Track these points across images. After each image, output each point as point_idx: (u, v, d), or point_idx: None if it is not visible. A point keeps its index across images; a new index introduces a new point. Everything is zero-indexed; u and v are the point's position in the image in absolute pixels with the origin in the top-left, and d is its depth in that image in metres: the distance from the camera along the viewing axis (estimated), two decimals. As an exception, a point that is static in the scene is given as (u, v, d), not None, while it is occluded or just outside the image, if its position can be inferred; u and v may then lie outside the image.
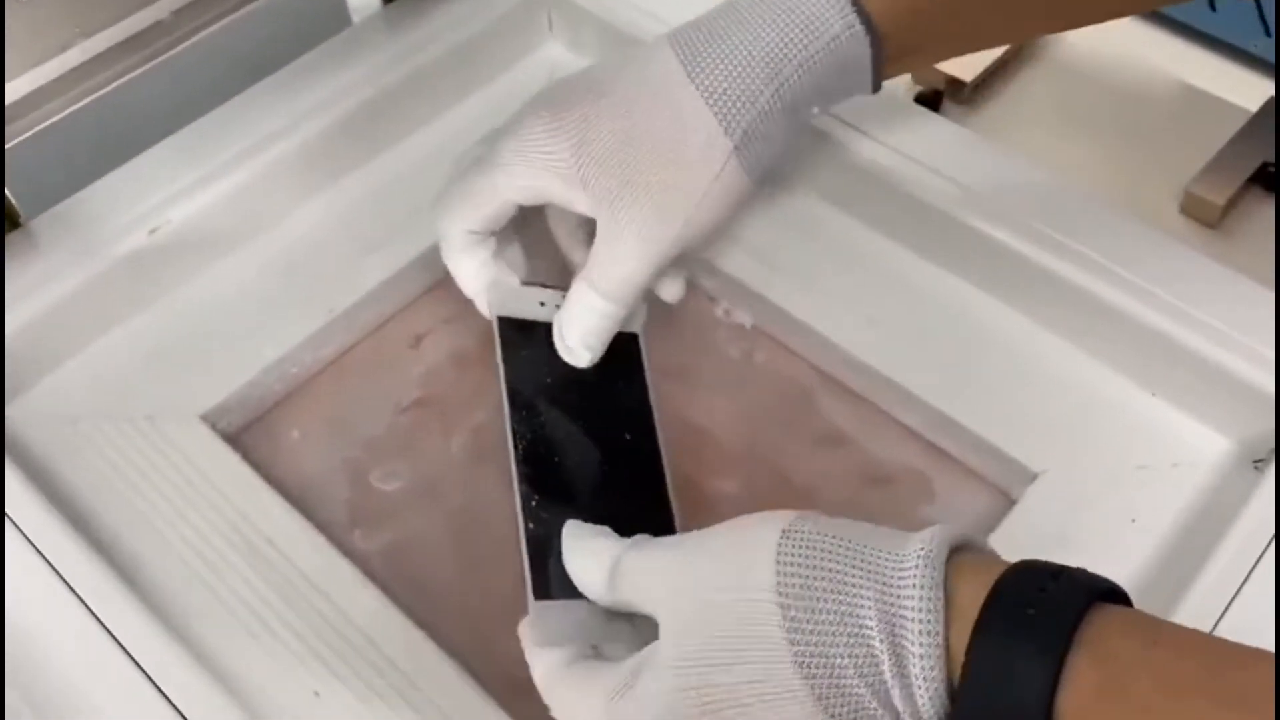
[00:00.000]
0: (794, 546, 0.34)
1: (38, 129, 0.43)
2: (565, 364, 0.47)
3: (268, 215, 0.55)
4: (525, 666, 0.44)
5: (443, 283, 0.56)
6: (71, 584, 0.42)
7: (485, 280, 0.49)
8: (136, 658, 0.40)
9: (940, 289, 0.53)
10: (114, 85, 0.44)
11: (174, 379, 0.50)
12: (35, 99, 0.44)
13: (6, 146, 0.42)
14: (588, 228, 0.49)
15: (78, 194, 0.52)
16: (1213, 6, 0.68)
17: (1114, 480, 0.46)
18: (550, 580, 0.41)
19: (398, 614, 0.44)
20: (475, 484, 0.50)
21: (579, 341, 0.47)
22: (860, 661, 0.32)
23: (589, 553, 0.40)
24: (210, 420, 0.49)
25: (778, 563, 0.34)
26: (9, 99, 0.43)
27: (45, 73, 0.43)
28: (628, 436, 0.47)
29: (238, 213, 0.54)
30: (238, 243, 0.54)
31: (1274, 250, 0.40)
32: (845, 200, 0.56)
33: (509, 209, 0.48)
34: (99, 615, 0.41)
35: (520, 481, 0.43)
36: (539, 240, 0.52)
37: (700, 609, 0.35)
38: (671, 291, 0.50)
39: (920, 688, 0.31)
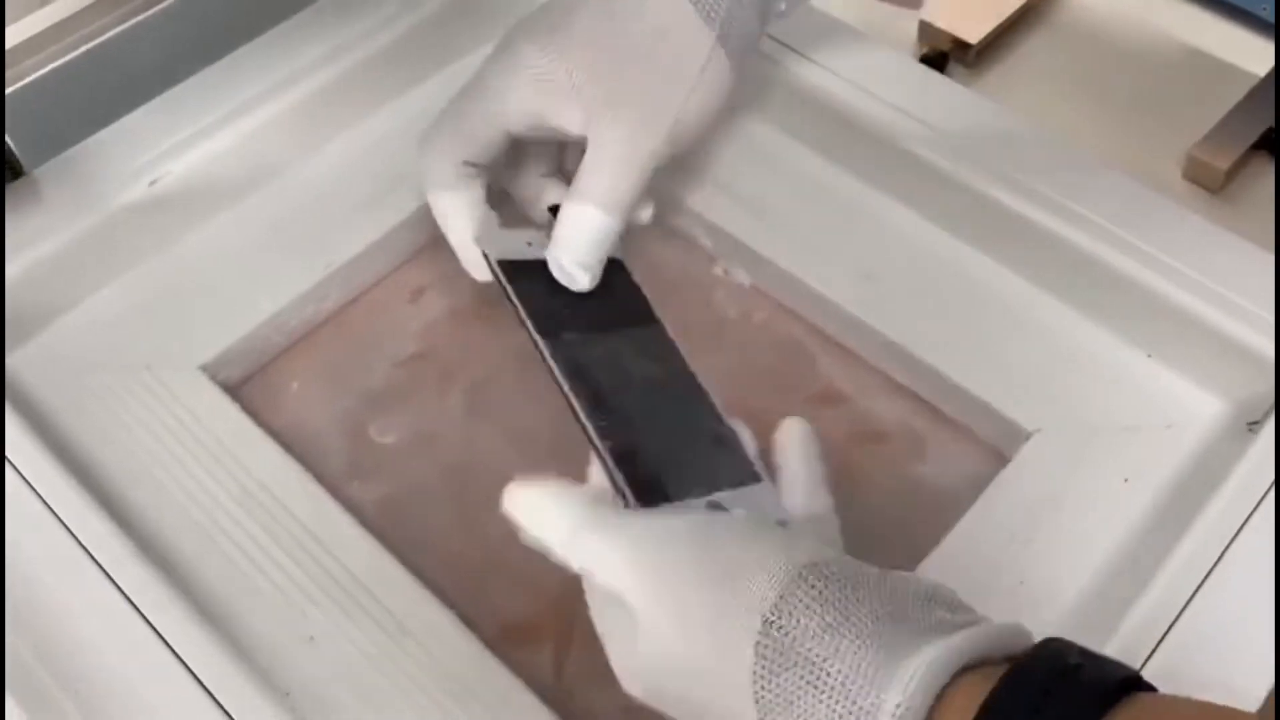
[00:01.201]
0: (770, 658, 0.32)
1: (40, 74, 0.43)
2: (572, 293, 0.47)
3: (268, 168, 0.55)
4: (519, 615, 0.45)
5: (443, 238, 0.56)
6: (71, 529, 0.43)
7: (476, 219, 0.49)
8: (134, 600, 0.41)
9: (940, 249, 0.53)
10: (118, 29, 0.44)
11: (174, 330, 0.51)
12: (37, 44, 0.43)
13: (8, 93, 0.42)
14: (557, 168, 0.50)
15: (79, 145, 0.53)
16: (1220, -31, 0.67)
17: (1107, 440, 0.46)
18: (649, 487, 0.40)
19: (394, 563, 0.45)
20: (472, 437, 0.50)
21: (577, 261, 0.46)
22: None
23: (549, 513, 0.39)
24: (210, 371, 0.50)
25: (755, 675, 0.32)
26: (10, 43, 0.43)
27: (48, 15, 0.43)
28: (654, 350, 0.46)
29: (238, 165, 0.54)
30: (238, 195, 0.54)
31: (1274, 214, 0.40)
32: (846, 159, 0.56)
33: (501, 139, 0.48)
34: (98, 559, 0.42)
35: (582, 405, 0.42)
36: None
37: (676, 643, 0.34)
38: (644, 214, 0.50)
39: None
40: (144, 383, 0.49)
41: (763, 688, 0.32)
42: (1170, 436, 0.46)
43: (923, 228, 0.53)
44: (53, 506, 0.43)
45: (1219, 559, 0.41)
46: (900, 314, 0.50)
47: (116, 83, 0.52)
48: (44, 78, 0.45)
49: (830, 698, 0.31)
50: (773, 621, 0.32)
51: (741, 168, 0.56)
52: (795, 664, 0.32)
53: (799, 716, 0.31)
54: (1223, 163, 0.60)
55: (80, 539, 0.42)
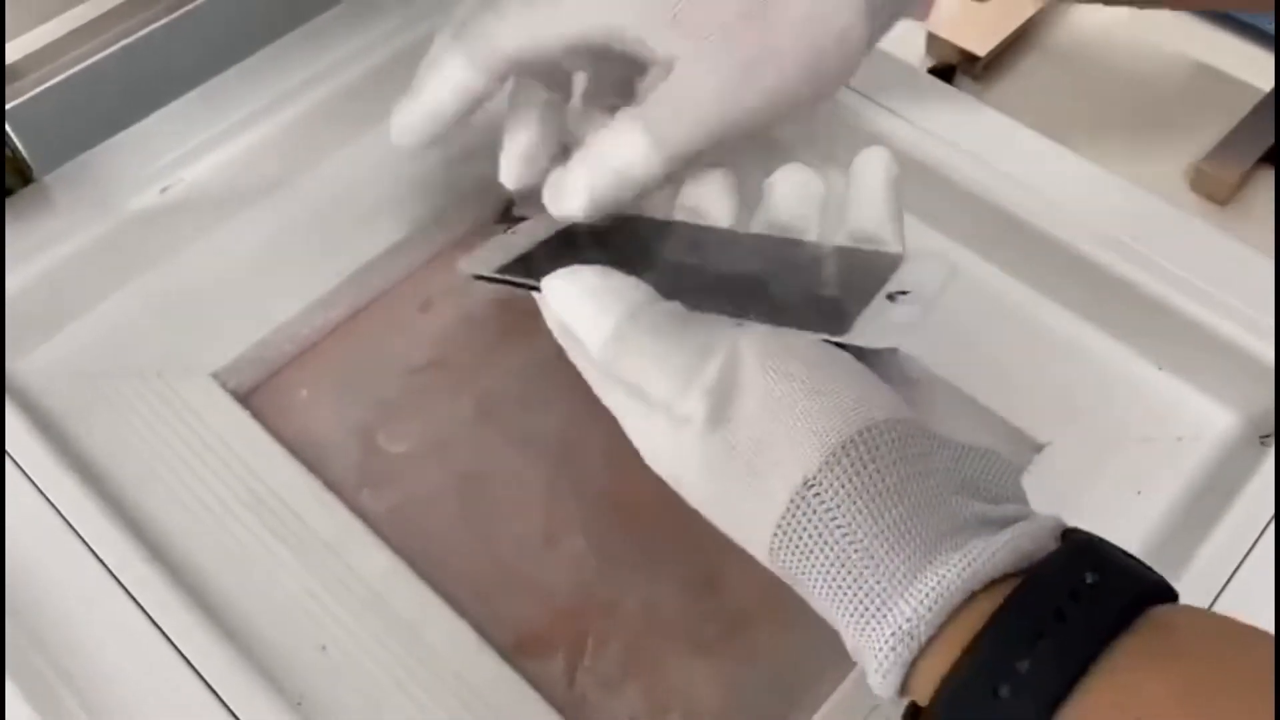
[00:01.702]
0: (801, 518, 0.31)
1: (53, 82, 0.43)
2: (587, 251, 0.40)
3: (280, 175, 0.55)
4: (533, 625, 0.45)
5: (454, 246, 0.56)
6: (81, 534, 0.43)
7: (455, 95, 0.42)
8: (146, 608, 0.41)
9: (949, 258, 0.53)
10: (132, 38, 0.44)
11: (185, 337, 0.50)
12: (52, 51, 0.43)
13: (20, 100, 0.42)
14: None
15: (91, 150, 0.53)
16: (1227, -16, 0.68)
17: (1119, 452, 0.46)
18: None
19: (407, 572, 0.44)
20: (484, 446, 0.50)
21: (587, 184, 0.39)
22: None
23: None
24: (221, 379, 0.50)
25: (779, 524, 0.31)
26: (24, 51, 0.43)
27: (63, 24, 0.43)
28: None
29: (250, 172, 0.54)
30: (249, 202, 0.54)
31: (1274, 227, 0.40)
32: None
33: (558, 46, 0.39)
34: (108, 565, 0.42)
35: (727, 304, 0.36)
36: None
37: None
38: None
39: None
40: (155, 389, 0.49)
41: (780, 546, 0.31)
42: (1182, 449, 0.46)
43: (929, 238, 0.53)
44: (62, 512, 0.43)
45: (1233, 573, 0.41)
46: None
47: (128, 89, 0.52)
48: (57, 86, 0.45)
49: (845, 584, 0.30)
50: (811, 485, 0.30)
51: (747, 177, 0.56)
52: (817, 542, 0.30)
53: (816, 582, 0.30)
54: (1230, 176, 0.60)
55: (90, 545, 0.42)
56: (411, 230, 0.54)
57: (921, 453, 0.31)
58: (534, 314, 0.54)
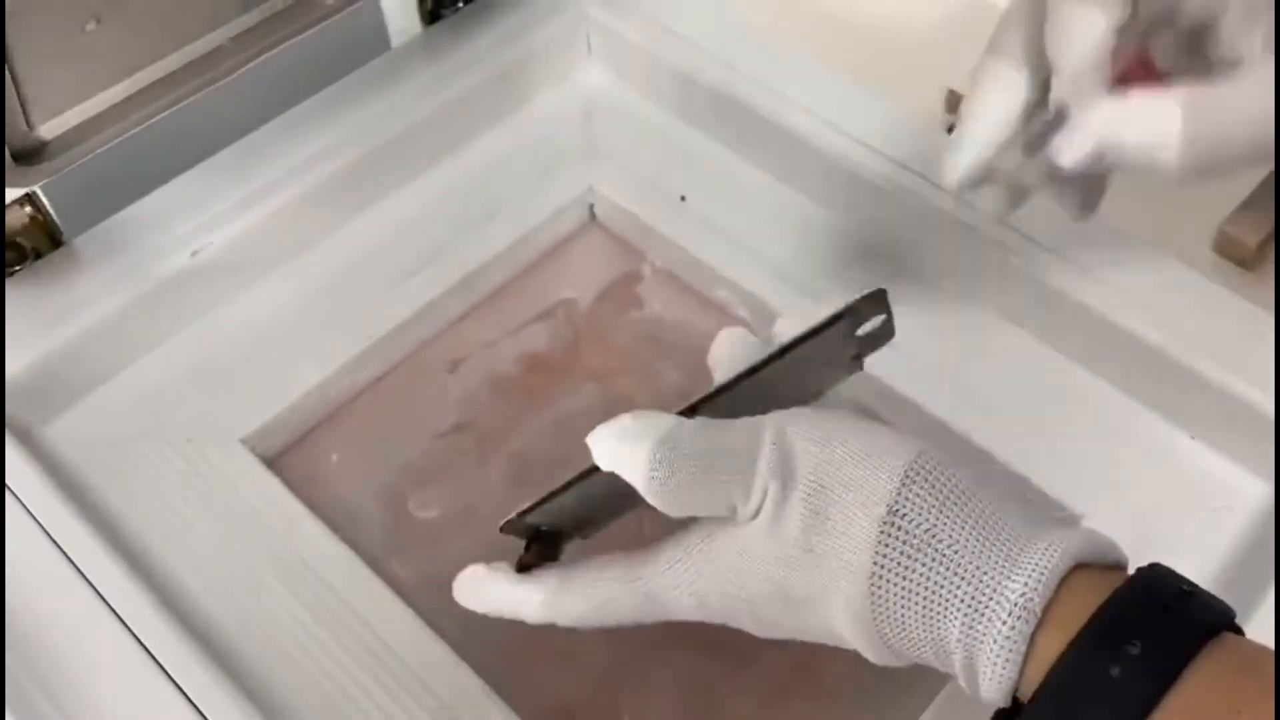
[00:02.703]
0: (896, 541, 0.32)
1: (93, 155, 0.43)
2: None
3: (308, 238, 0.55)
4: (565, 697, 0.44)
5: (481, 306, 0.56)
6: (110, 602, 0.42)
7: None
8: (175, 678, 0.40)
9: (981, 327, 0.53)
10: (165, 113, 0.44)
11: (214, 402, 0.50)
12: (87, 128, 0.44)
13: (60, 172, 0.42)
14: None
15: (120, 213, 0.52)
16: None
17: (1156, 524, 0.46)
18: None
19: (439, 644, 0.44)
20: (513, 511, 0.50)
21: (1094, 148, 0.38)
22: (938, 654, 0.32)
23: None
24: (250, 444, 0.50)
25: (876, 554, 0.33)
26: (58, 130, 0.43)
27: (97, 104, 0.43)
28: None
29: (279, 236, 0.54)
30: (278, 266, 0.54)
31: (1274, 280, 0.39)
32: (876, 227, 0.56)
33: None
34: (138, 635, 0.41)
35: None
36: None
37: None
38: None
39: (988, 700, 0.32)
40: (183, 455, 0.49)
41: (883, 566, 0.32)
42: (1218, 520, 0.46)
43: (965, 305, 0.53)
44: (90, 578, 0.43)
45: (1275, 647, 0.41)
46: (944, 392, 0.50)
47: (159, 154, 0.52)
48: (87, 153, 0.45)
49: (952, 582, 0.32)
50: (896, 509, 0.33)
51: (775, 236, 0.56)
52: (914, 557, 0.32)
53: (918, 603, 0.32)
54: (1253, 238, 0.60)
55: (118, 612, 0.42)
56: (441, 292, 0.54)
57: (972, 470, 0.34)
58: (560, 375, 0.55)
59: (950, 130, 0.66)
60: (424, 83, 0.58)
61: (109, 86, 0.43)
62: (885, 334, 0.41)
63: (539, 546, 0.40)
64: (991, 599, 0.31)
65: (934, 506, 0.33)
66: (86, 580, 0.43)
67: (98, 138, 0.43)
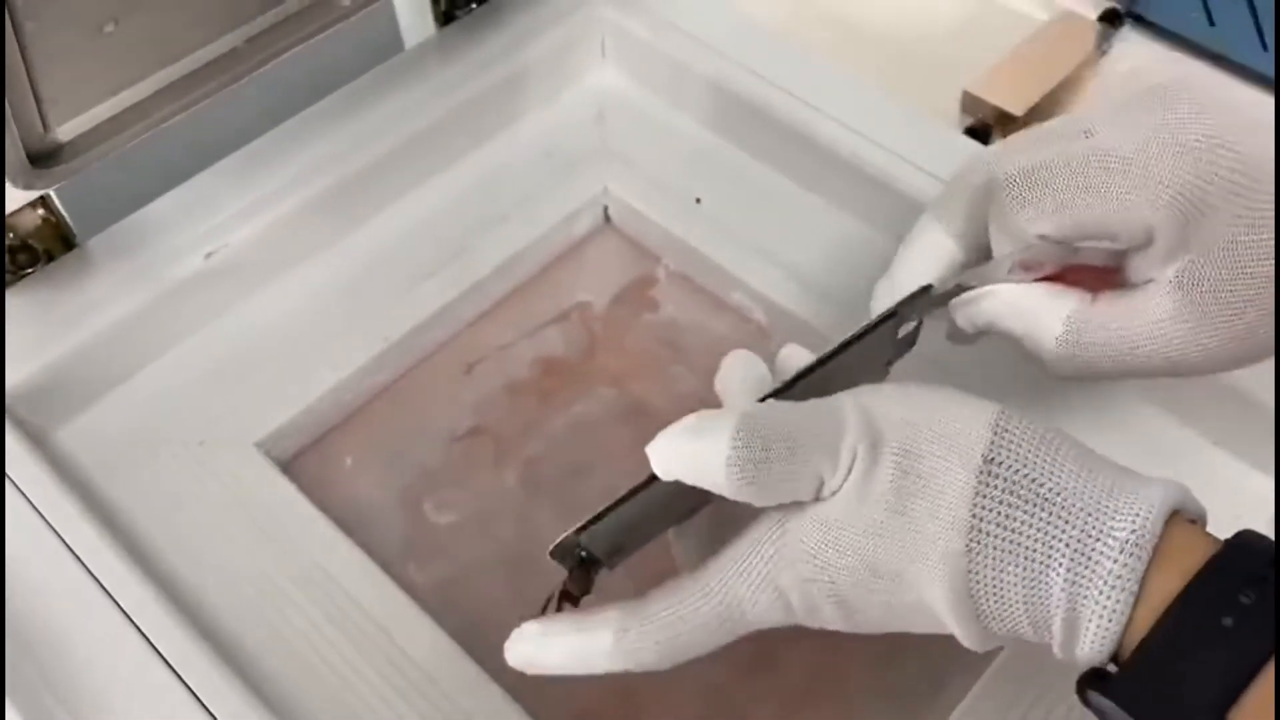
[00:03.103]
0: (995, 489, 0.32)
1: (109, 157, 0.43)
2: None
3: (322, 241, 0.55)
4: (584, 703, 0.44)
5: (495, 309, 0.56)
6: (124, 608, 0.42)
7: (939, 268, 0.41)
8: (190, 684, 0.40)
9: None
10: (180, 116, 0.44)
11: (228, 405, 0.50)
12: (101, 131, 0.43)
13: (74, 176, 0.42)
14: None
15: (134, 215, 0.52)
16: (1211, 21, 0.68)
17: (1178, 530, 0.46)
18: None
19: (456, 650, 0.44)
20: (530, 516, 0.49)
21: (970, 325, 0.41)
22: (1034, 615, 0.32)
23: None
24: (265, 447, 0.49)
25: (974, 505, 0.32)
26: (73, 133, 0.43)
27: (111, 107, 0.43)
28: None
29: (293, 238, 0.53)
30: (292, 268, 0.54)
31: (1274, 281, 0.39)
32: (893, 229, 0.55)
33: (1084, 230, 0.37)
34: (151, 639, 0.41)
35: None
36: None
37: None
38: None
39: (1086, 657, 0.31)
40: (197, 458, 0.49)
41: (981, 519, 0.32)
42: (1239, 527, 0.46)
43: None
44: (102, 582, 0.42)
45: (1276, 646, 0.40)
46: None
47: (173, 155, 0.52)
48: (101, 155, 0.45)
49: (1056, 526, 0.31)
50: (992, 457, 0.32)
51: (790, 239, 0.56)
52: (1014, 503, 0.31)
53: (1019, 553, 0.31)
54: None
55: (130, 615, 0.42)
56: (458, 294, 0.54)
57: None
58: (575, 379, 0.54)
59: (968, 132, 0.66)
60: (437, 85, 0.58)
61: (126, 88, 0.43)
62: (911, 340, 0.41)
63: (580, 574, 0.37)
64: (1099, 539, 0.31)
65: (1030, 452, 0.32)
66: (99, 584, 0.42)
67: (114, 140, 0.42)
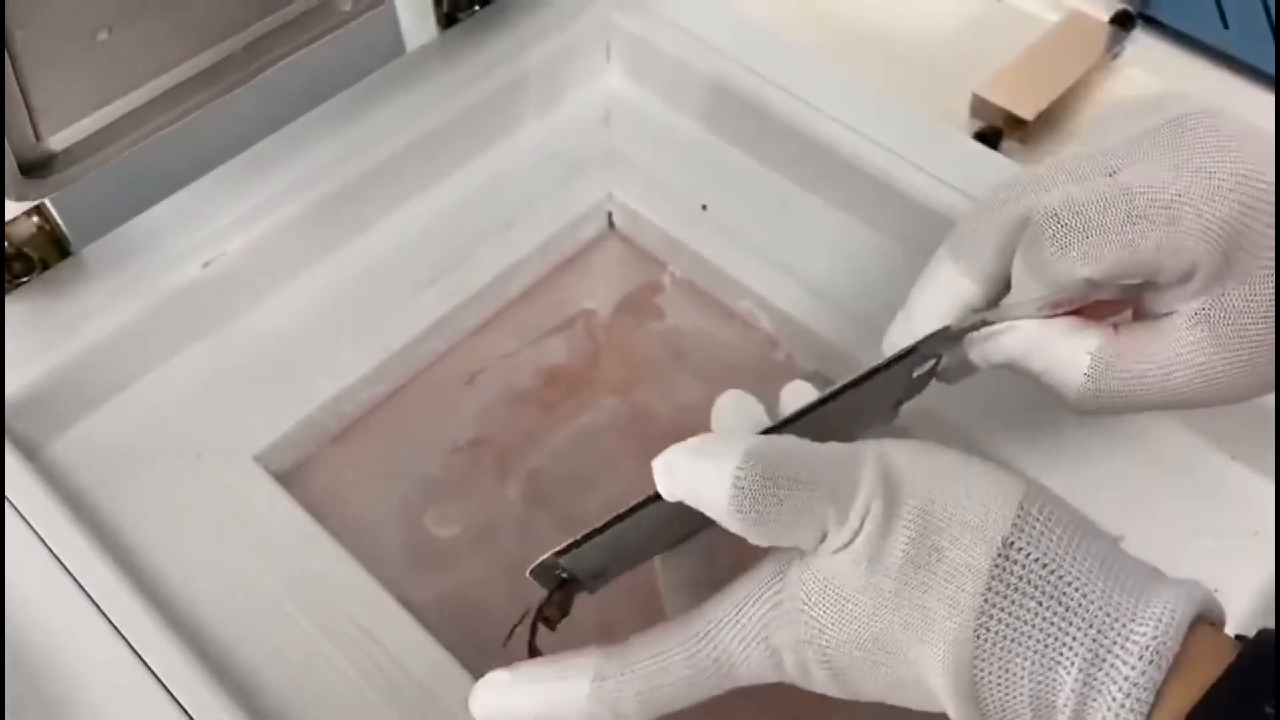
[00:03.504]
0: (1012, 576, 0.30)
1: (104, 167, 0.42)
2: None
3: (322, 249, 0.54)
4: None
5: (498, 317, 0.55)
6: (117, 625, 0.41)
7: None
8: (183, 703, 0.39)
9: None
10: (177, 124, 0.43)
11: (226, 416, 0.49)
12: (96, 140, 0.42)
13: (67, 186, 0.41)
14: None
15: (130, 222, 0.51)
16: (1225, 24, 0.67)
17: (1194, 547, 0.45)
18: None
19: (456, 667, 0.43)
20: (532, 529, 0.49)
21: (988, 362, 0.39)
22: (1039, 711, 0.30)
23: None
24: (263, 460, 0.48)
25: (988, 590, 0.30)
26: (67, 142, 0.42)
27: (116, 109, 0.42)
28: None
29: (292, 246, 0.52)
30: (291, 277, 0.53)
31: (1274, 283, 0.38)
32: (902, 235, 0.55)
33: (1131, 271, 0.36)
34: (145, 658, 0.40)
35: None
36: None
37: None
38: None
39: None
40: (194, 471, 0.48)
41: (994, 604, 0.30)
42: (1258, 544, 0.45)
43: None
44: (96, 598, 0.42)
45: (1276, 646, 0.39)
46: (976, 412, 0.49)
47: (170, 162, 0.51)
48: (97, 164, 0.44)
49: (1072, 624, 0.29)
50: (1012, 542, 0.30)
51: (798, 245, 0.55)
52: (1029, 595, 0.30)
53: (1030, 646, 0.30)
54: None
55: (125, 634, 0.41)
56: (459, 303, 0.53)
57: (1066, 505, 0.32)
58: (580, 388, 0.53)
59: (977, 136, 0.65)
60: (439, 89, 0.57)
61: (120, 96, 0.42)
62: (925, 380, 0.40)
63: (560, 596, 0.36)
64: (1118, 642, 0.29)
65: (1052, 542, 0.30)
66: (92, 600, 0.42)
67: (108, 149, 0.42)
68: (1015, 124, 0.66)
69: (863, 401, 0.37)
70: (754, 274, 0.54)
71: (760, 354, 0.54)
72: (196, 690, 0.40)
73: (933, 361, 0.39)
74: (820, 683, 0.33)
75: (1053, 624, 0.30)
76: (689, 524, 0.34)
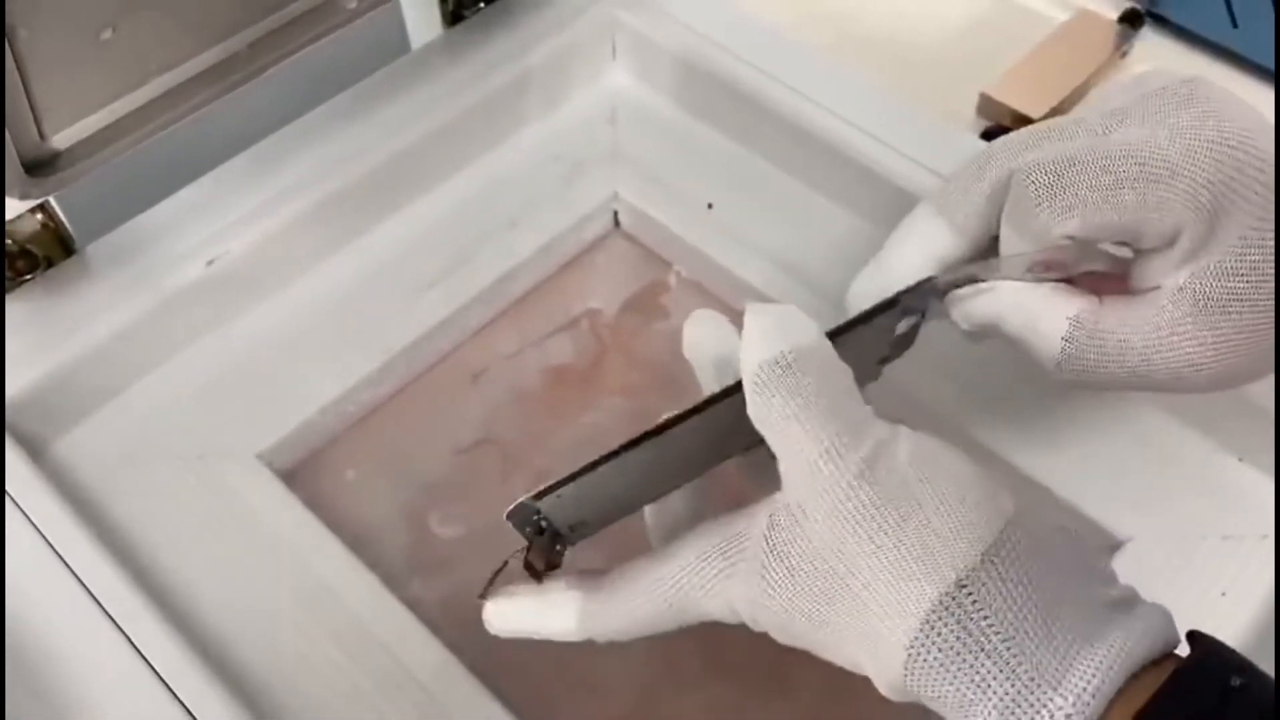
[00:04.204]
0: (952, 618, 0.30)
1: (108, 164, 0.42)
2: None
3: (326, 248, 0.53)
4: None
5: (503, 317, 0.55)
6: (120, 624, 0.41)
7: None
8: (185, 702, 0.39)
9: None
10: (179, 122, 0.43)
11: (229, 416, 0.49)
12: (99, 138, 0.42)
13: (71, 185, 0.41)
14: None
15: (134, 220, 0.51)
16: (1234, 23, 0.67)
17: (1202, 550, 0.45)
18: None
19: (463, 670, 0.43)
20: (537, 531, 0.48)
21: (967, 322, 0.39)
22: None
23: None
24: (266, 460, 0.48)
25: (926, 621, 0.30)
26: (71, 141, 0.42)
27: (120, 107, 0.42)
28: None
29: (296, 245, 0.52)
30: (295, 276, 0.53)
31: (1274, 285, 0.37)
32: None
33: (1113, 231, 0.36)
34: (148, 657, 0.40)
35: None
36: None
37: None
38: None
39: None
40: (196, 472, 0.48)
41: (929, 637, 0.30)
42: (1268, 547, 0.45)
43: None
44: (99, 598, 0.41)
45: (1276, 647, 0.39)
46: (986, 415, 0.49)
47: (174, 159, 0.51)
48: (100, 161, 0.44)
49: (995, 679, 0.29)
50: (965, 584, 0.30)
51: (805, 245, 0.55)
52: (965, 642, 0.30)
53: (954, 685, 0.30)
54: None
55: (128, 633, 0.41)
56: (463, 303, 0.53)
57: (1047, 540, 0.32)
58: (584, 388, 0.53)
59: (984, 135, 0.65)
60: (444, 87, 0.57)
61: (125, 94, 0.42)
62: (909, 338, 0.40)
63: (543, 544, 0.36)
64: (1034, 709, 0.29)
65: (1004, 591, 0.30)
66: (95, 600, 0.42)
67: (112, 147, 0.41)
68: (1023, 123, 0.66)
69: (844, 355, 0.36)
70: (760, 274, 0.54)
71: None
72: (198, 689, 0.40)
73: (916, 318, 0.39)
74: (772, 635, 0.34)
75: (977, 673, 0.30)
76: (671, 475, 0.35)
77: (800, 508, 0.32)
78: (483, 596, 0.38)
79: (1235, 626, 0.43)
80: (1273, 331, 0.36)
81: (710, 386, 0.38)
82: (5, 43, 0.36)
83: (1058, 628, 0.30)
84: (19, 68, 0.37)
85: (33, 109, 0.39)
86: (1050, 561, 0.31)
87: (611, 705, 0.44)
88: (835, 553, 0.31)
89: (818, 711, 0.44)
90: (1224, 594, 0.44)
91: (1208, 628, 0.42)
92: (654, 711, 0.44)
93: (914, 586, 0.30)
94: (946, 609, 0.30)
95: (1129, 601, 0.31)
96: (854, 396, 0.33)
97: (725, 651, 0.45)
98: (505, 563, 0.37)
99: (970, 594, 0.30)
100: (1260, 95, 0.67)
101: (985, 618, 0.30)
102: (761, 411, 0.33)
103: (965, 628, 0.30)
